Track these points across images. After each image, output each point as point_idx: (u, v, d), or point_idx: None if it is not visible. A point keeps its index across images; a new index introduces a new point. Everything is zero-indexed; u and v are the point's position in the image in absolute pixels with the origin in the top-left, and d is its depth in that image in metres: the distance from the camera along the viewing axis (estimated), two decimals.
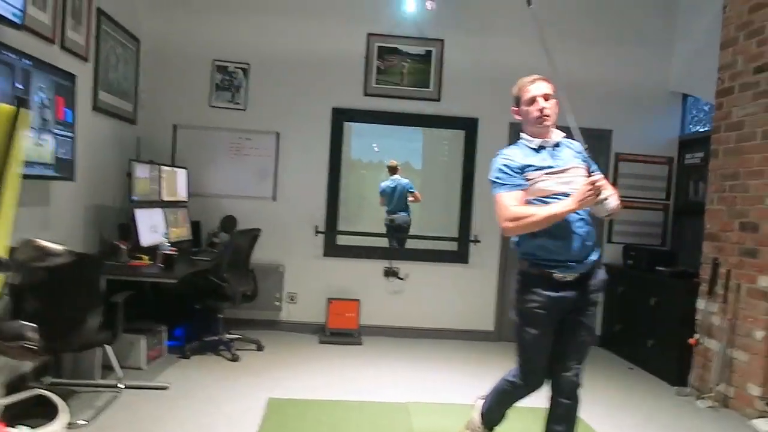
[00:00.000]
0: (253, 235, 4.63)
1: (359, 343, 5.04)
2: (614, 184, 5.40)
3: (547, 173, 2.44)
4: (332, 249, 5.32)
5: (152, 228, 4.33)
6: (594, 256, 2.44)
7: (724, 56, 4.24)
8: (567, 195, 2.37)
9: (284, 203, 5.26)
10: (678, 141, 5.57)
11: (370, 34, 5.27)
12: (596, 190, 2.26)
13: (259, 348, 4.63)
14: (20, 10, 2.87)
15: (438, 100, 5.34)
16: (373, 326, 5.31)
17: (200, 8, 5.14)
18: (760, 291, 3.72)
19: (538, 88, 2.48)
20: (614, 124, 5.50)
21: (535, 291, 2.41)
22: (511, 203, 2.38)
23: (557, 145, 2.52)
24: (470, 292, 5.44)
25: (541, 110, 2.46)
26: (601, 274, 2.50)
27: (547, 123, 2.48)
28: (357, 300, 5.22)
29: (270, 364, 4.26)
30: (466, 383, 4.12)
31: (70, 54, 3.68)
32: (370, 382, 4.04)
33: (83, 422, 3.01)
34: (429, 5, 4.99)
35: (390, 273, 5.39)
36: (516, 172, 2.47)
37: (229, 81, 5.15)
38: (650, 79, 5.48)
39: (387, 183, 6.90)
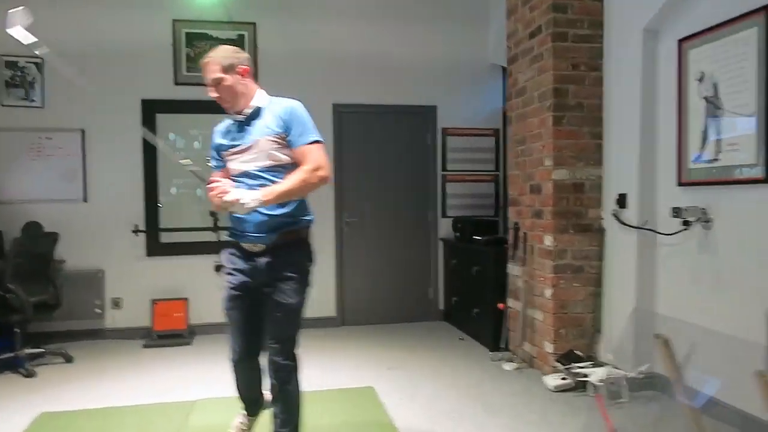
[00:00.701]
0: (50, 239, 4.32)
1: (188, 344, 4.83)
2: (443, 158, 5.46)
3: (232, 153, 2.36)
4: (156, 248, 5.07)
5: None
6: (277, 234, 2.35)
7: (509, 25, 4.32)
8: (247, 174, 2.33)
9: (97, 204, 4.96)
10: (502, 112, 5.67)
11: (175, 20, 5.04)
12: (216, 195, 2.24)
13: (68, 360, 4.34)
14: None
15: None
16: (205, 324, 5.11)
17: None
18: (546, 250, 3.81)
19: (206, 76, 2.37)
20: (438, 100, 5.53)
21: (229, 260, 2.44)
22: None
23: (256, 116, 2.39)
24: None
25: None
26: (296, 251, 2.42)
27: (226, 107, 2.36)
28: (185, 299, 5.00)
29: (72, 377, 3.99)
30: (309, 370, 4.00)
31: None
32: (177, 383, 3.85)
33: None
34: None
35: (221, 268, 5.18)
36: (215, 152, 2.39)
37: (21, 77, 4.78)
38: (470, 53, 5.55)
39: None
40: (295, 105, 2.40)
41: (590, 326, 3.78)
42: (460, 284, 5.16)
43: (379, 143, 5.45)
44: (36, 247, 4.26)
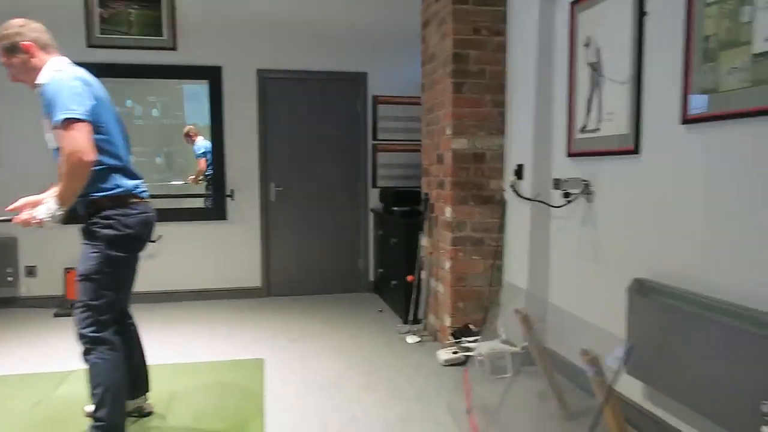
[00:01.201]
0: None
1: None
2: (374, 127, 5.32)
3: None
4: (71, 217, 4.93)
5: None
6: (82, 208, 2.36)
7: None
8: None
9: (10, 170, 4.82)
10: None
11: None
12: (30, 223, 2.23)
13: None
14: None
15: (174, 48, 5.00)
16: None
17: None
18: (446, 222, 3.71)
19: None
20: (369, 67, 5.35)
21: None
22: None
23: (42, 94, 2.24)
24: (233, 249, 5.24)
25: None
26: (92, 223, 2.34)
27: (25, 84, 2.31)
28: None
29: None
30: (210, 342, 3.96)
31: None
32: (74, 353, 3.77)
33: None
34: None
35: None
36: None
37: None
38: (402, 18, 5.34)
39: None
40: (50, 82, 2.20)
41: (488, 300, 3.70)
42: (385, 256, 5.07)
43: (308, 111, 5.29)
44: None
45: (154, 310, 4.86)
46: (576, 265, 3.06)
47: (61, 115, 2.12)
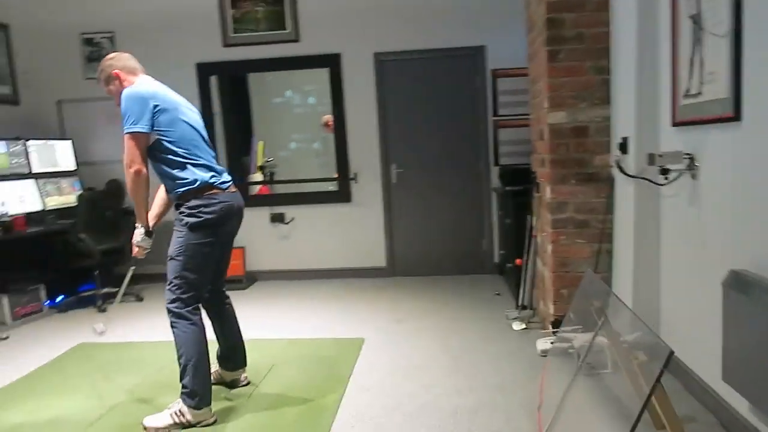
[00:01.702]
0: (107, 193, 4.93)
1: (244, 288, 5.27)
2: (494, 102, 5.13)
3: None
4: None
5: (19, 198, 4.77)
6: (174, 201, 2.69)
7: None
8: None
9: None
10: None
11: None
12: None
13: (139, 299, 5.00)
14: None
15: (297, 40, 5.27)
16: (261, 271, 5.52)
17: None
18: (546, 202, 3.46)
19: None
20: (487, 39, 5.12)
21: None
22: None
23: None
24: (358, 229, 5.45)
25: None
26: (180, 213, 2.63)
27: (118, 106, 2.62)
28: (242, 247, 5.43)
29: (135, 314, 4.59)
30: (322, 320, 4.26)
31: None
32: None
33: None
34: None
35: (276, 218, 5.52)
36: None
37: (97, 52, 5.41)
38: None
39: None
40: (122, 98, 2.52)
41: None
42: (505, 237, 4.88)
43: (425, 90, 5.25)
44: (107, 201, 4.89)
45: (284, 287, 5.25)
46: (681, 250, 2.67)
47: (125, 129, 2.49)
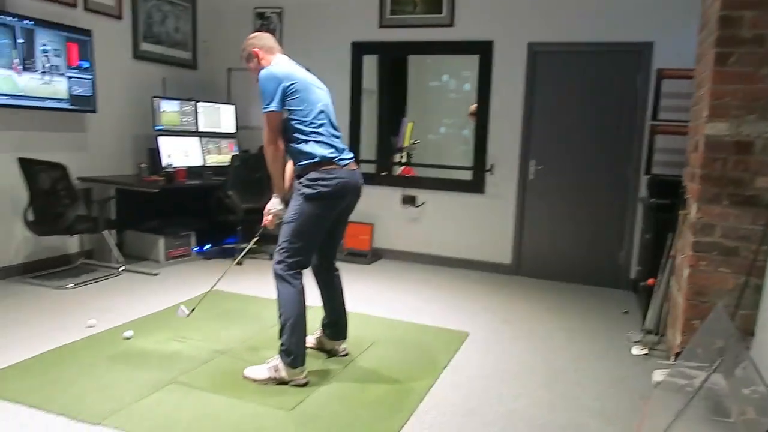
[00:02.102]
0: (259, 156, 5.30)
1: (368, 264, 5.43)
2: (655, 105, 4.71)
3: None
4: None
5: (184, 153, 5.33)
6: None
7: None
8: None
9: None
10: None
11: None
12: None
13: (271, 258, 5.37)
14: None
15: (451, 25, 5.22)
16: (386, 249, 5.64)
17: None
18: (690, 222, 3.11)
19: None
20: (656, 35, 4.67)
21: None
22: None
23: None
24: (487, 222, 5.33)
25: None
26: (299, 184, 2.79)
27: None
28: (371, 224, 5.58)
29: (268, 270, 4.94)
30: (434, 307, 4.30)
31: (93, 13, 4.75)
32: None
33: (71, 286, 4.15)
34: None
35: (407, 200, 5.59)
36: None
37: (266, 25, 5.82)
38: None
39: None
40: (259, 77, 2.71)
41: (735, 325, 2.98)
42: (645, 252, 4.48)
43: (578, 86, 4.94)
44: (257, 164, 5.28)
45: (405, 268, 5.32)
46: None
47: (261, 109, 2.70)
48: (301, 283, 2.77)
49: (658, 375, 3.02)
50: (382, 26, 5.45)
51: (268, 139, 2.72)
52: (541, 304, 4.41)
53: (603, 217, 4.99)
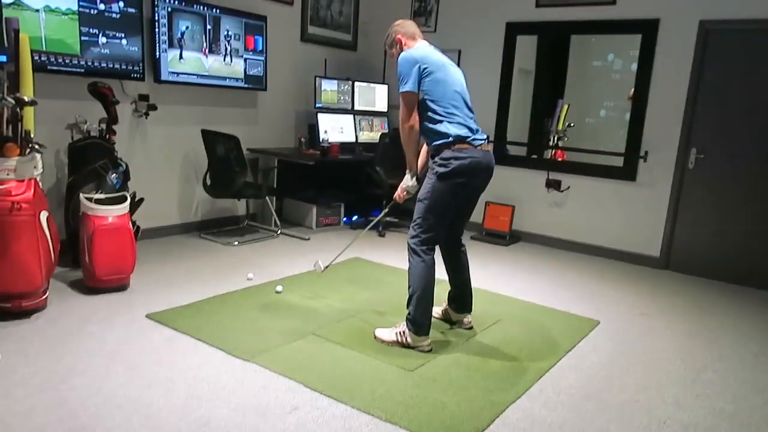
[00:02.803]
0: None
1: (506, 245, 5.47)
2: None
3: None
4: (499, 158, 5.70)
5: (339, 129, 5.75)
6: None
7: None
8: None
9: None
10: None
11: None
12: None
13: None
14: None
15: (613, 2, 4.99)
16: (526, 233, 5.62)
17: None
18: None
19: None
20: None
21: None
22: None
23: None
24: (636, 212, 5.08)
25: None
26: (433, 164, 2.94)
27: None
28: (512, 206, 5.59)
29: (403, 242, 5.22)
30: (570, 293, 4.28)
31: (270, 1, 5.27)
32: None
33: (236, 243, 4.75)
34: None
35: (551, 184, 5.49)
36: None
37: (424, 7, 6.00)
38: None
39: None
40: (398, 61, 2.89)
41: None
42: None
43: (755, 69, 4.46)
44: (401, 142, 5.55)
45: (544, 252, 5.27)
46: None
47: (400, 89, 2.87)
48: (432, 258, 2.93)
49: None
50: (538, 5, 5.36)
51: (404, 117, 2.88)
52: (688, 301, 4.15)
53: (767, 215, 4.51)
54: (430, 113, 2.87)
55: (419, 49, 2.93)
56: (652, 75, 4.89)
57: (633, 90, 5.12)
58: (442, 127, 2.86)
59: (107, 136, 3.87)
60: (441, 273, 3.13)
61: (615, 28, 5.07)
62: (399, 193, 3.16)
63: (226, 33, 4.84)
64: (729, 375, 2.97)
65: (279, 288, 3.71)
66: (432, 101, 2.85)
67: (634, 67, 5.07)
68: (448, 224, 3.02)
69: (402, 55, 2.89)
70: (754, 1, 4.38)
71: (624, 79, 6.36)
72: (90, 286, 3.42)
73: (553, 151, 5.94)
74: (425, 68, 2.83)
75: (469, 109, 2.97)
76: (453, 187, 2.88)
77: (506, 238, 5.57)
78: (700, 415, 2.53)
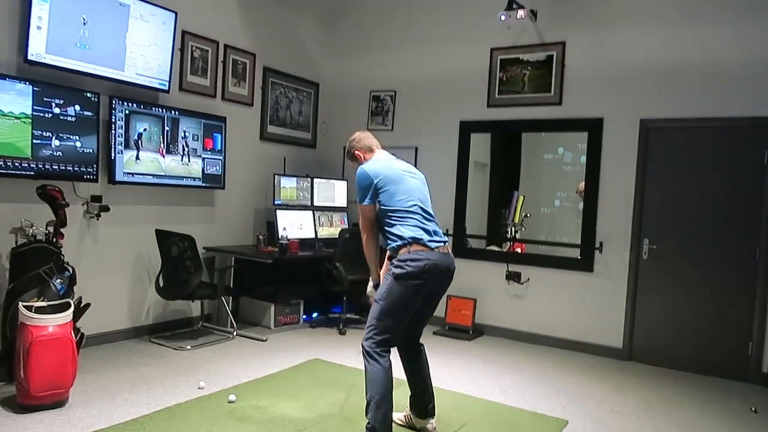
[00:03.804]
0: None
1: (469, 340, 5.37)
2: None
3: None
4: (459, 251, 5.74)
5: (298, 226, 5.72)
6: None
7: None
8: None
9: None
10: None
11: (493, 49, 5.58)
12: None
13: None
14: (166, 81, 4.63)
15: (559, 103, 5.26)
16: (489, 326, 5.56)
17: (361, 51, 6.37)
18: None
19: None
20: None
21: None
22: None
23: None
24: (596, 303, 5.10)
25: None
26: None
27: None
28: (474, 299, 5.55)
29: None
30: (532, 389, 4.17)
31: (229, 102, 5.37)
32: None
33: (189, 348, 4.53)
34: (519, 14, 5.06)
35: (511, 277, 5.51)
36: None
37: (380, 107, 6.22)
38: None
39: None
40: (357, 172, 3.04)
41: None
42: None
43: (695, 163, 4.71)
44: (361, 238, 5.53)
45: (507, 346, 5.19)
46: None
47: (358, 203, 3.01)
48: (388, 360, 2.83)
49: None
50: (490, 105, 5.60)
51: (363, 227, 3.01)
52: (655, 395, 4.08)
53: (728, 301, 4.58)
54: (386, 219, 2.94)
55: (376, 162, 3.03)
56: (601, 168, 5.09)
57: (582, 183, 5.30)
58: (397, 230, 2.88)
59: (54, 240, 3.73)
60: (401, 373, 3.02)
61: (563, 126, 5.32)
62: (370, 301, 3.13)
63: (184, 133, 4.87)
64: None
65: (232, 397, 3.49)
66: (388, 209, 2.93)
67: (584, 159, 5.28)
68: (404, 326, 2.94)
69: (358, 172, 3.00)
70: (686, 103, 4.68)
71: (575, 170, 6.61)
72: (23, 404, 3.15)
73: (511, 244, 6.02)
74: (379, 183, 2.93)
75: (429, 214, 2.99)
76: (409, 288, 2.83)
77: (469, 332, 5.49)
78: None
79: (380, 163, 3.03)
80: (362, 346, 2.86)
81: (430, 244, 2.86)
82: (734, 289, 4.57)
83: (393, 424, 2.87)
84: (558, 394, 3.99)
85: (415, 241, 2.84)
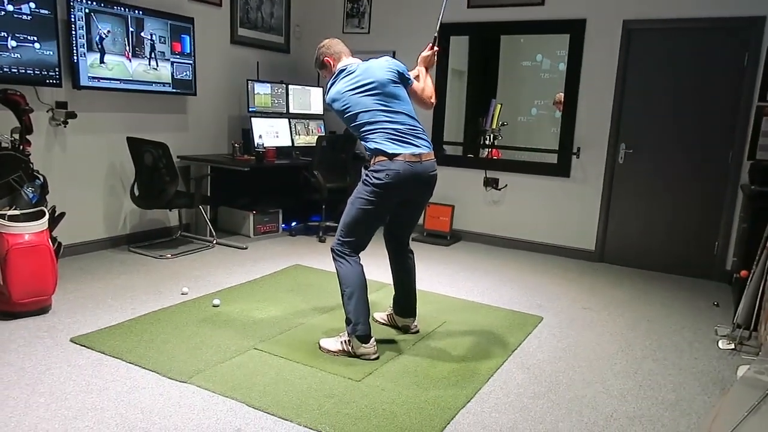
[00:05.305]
0: (351, 141, 5.46)
1: (447, 246, 5.47)
2: (763, 85, 4.37)
3: None
4: (437, 159, 5.71)
5: (274, 134, 5.60)
6: None
7: None
8: None
9: None
10: None
11: None
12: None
13: None
14: None
15: (542, 3, 5.08)
16: (467, 231, 5.65)
17: None
18: None
19: None
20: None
21: None
22: None
23: None
24: (571, 207, 5.19)
25: None
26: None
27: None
28: (452, 206, 5.60)
29: None
30: (509, 290, 4.31)
31: (197, 2, 5.06)
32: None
33: (169, 256, 4.52)
34: None
35: (489, 183, 5.54)
36: None
37: (356, 8, 5.93)
38: None
39: None
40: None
41: None
42: (741, 243, 4.20)
43: (676, 65, 4.66)
44: (339, 145, 5.45)
45: (485, 250, 5.31)
46: None
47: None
48: (357, 260, 2.89)
49: (744, 371, 2.85)
50: (470, 6, 5.39)
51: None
52: (625, 293, 4.26)
53: (698, 204, 4.71)
54: (356, 132, 2.94)
55: (336, 85, 2.93)
56: (581, 73, 5.01)
57: (560, 94, 5.24)
58: (369, 143, 2.87)
59: (21, 147, 3.58)
60: (386, 277, 3.07)
61: (544, 28, 5.17)
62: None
63: (150, 35, 4.60)
64: (668, 364, 3.05)
65: (216, 301, 3.54)
66: (355, 124, 2.91)
67: (562, 66, 5.19)
68: (373, 232, 2.95)
69: (327, 95, 2.99)
70: (672, 2, 4.56)
71: (553, 78, 6.53)
72: (6, 311, 3.15)
73: (490, 150, 6.02)
74: (342, 106, 2.90)
75: (396, 113, 2.86)
76: (377, 196, 2.82)
77: (447, 238, 5.58)
78: (644, 406, 2.58)
79: (341, 83, 2.91)
80: (331, 247, 2.92)
81: (396, 154, 2.79)
82: (705, 192, 4.68)
83: (373, 320, 2.96)
84: (533, 294, 4.14)
85: (381, 152, 2.81)
